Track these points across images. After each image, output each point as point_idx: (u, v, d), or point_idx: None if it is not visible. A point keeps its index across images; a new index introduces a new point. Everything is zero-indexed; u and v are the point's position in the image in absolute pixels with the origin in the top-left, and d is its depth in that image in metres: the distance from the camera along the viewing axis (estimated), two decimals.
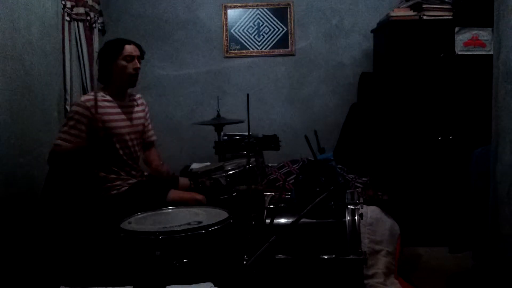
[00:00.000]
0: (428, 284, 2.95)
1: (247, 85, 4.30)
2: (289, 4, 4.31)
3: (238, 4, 4.32)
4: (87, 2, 3.74)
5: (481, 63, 3.43)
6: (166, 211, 2.49)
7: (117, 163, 2.75)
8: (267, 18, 4.32)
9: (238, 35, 4.34)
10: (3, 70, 2.52)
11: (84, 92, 3.74)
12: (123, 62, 2.73)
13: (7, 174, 2.54)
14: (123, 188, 2.73)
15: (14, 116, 2.62)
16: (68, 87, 3.47)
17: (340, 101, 4.34)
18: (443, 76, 3.62)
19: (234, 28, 4.33)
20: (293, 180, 3.40)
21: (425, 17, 3.58)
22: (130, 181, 2.78)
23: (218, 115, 3.49)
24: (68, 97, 3.47)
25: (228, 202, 2.71)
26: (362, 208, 2.36)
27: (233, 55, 4.35)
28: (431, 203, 3.62)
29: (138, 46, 2.82)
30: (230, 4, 4.31)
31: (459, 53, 3.59)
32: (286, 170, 3.64)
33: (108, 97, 2.75)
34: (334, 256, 2.22)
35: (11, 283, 2.44)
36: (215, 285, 1.85)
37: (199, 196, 2.74)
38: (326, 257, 2.23)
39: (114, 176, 2.73)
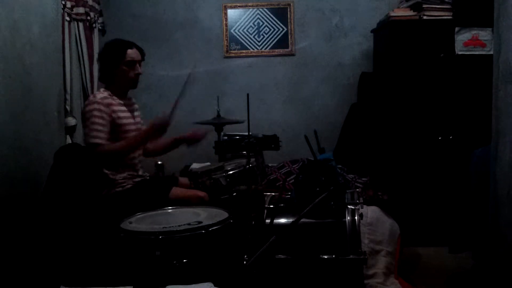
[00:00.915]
0: (428, 284, 2.95)
1: (247, 85, 4.29)
2: (289, 4, 4.32)
3: (238, 4, 4.32)
4: (87, 2, 3.74)
5: (481, 63, 3.43)
6: (166, 211, 2.49)
7: (124, 160, 2.77)
8: (267, 18, 4.33)
9: (238, 35, 4.34)
10: (3, 70, 2.52)
11: (84, 92, 3.74)
12: (125, 68, 2.75)
13: (7, 174, 2.54)
14: (127, 186, 2.74)
15: (14, 116, 2.62)
16: (68, 87, 3.47)
17: (340, 101, 4.34)
18: (443, 76, 3.62)
19: (234, 28, 4.33)
20: (293, 180, 3.40)
21: (425, 17, 3.58)
22: (135, 179, 2.79)
23: (218, 115, 3.49)
24: (68, 97, 3.47)
25: (228, 202, 2.71)
26: (362, 208, 2.35)
27: (233, 55, 4.35)
28: (431, 203, 3.62)
29: (139, 49, 2.83)
30: (230, 4, 4.31)
31: (459, 53, 3.59)
32: (286, 170, 3.64)
33: (114, 96, 2.77)
34: (334, 256, 2.22)
35: (11, 283, 2.44)
36: (215, 285, 1.85)
37: (201, 193, 2.75)
38: (326, 257, 2.23)
39: (119, 174, 2.75)
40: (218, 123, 3.46)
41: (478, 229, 2.85)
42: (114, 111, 2.71)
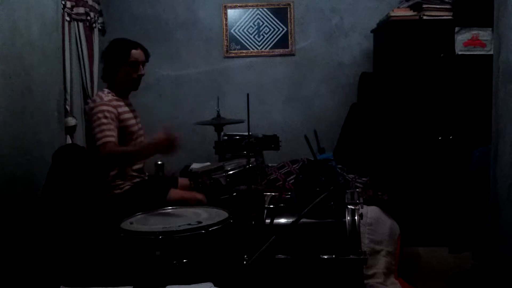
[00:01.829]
0: (428, 284, 2.96)
1: (247, 85, 4.29)
2: (289, 4, 4.32)
3: (238, 4, 4.32)
4: (87, 2, 3.74)
5: (481, 63, 3.43)
6: (166, 211, 2.49)
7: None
8: (267, 18, 4.33)
9: (238, 35, 4.34)
10: (3, 70, 2.52)
11: (84, 92, 3.74)
12: (128, 68, 2.75)
13: (7, 174, 2.54)
14: (126, 187, 2.74)
15: (14, 116, 2.62)
16: (68, 87, 3.47)
17: (340, 101, 4.34)
18: (443, 76, 3.62)
19: (234, 28, 4.33)
20: (293, 180, 3.39)
21: (425, 17, 3.58)
22: (134, 180, 2.79)
23: (218, 115, 3.48)
24: (68, 97, 3.47)
25: (228, 202, 2.71)
26: (362, 208, 2.35)
27: (233, 55, 4.35)
28: (431, 203, 3.62)
29: (144, 50, 2.83)
30: (230, 4, 4.31)
31: (459, 53, 3.58)
32: (286, 170, 3.64)
33: (117, 97, 2.77)
34: (334, 256, 2.22)
35: (11, 283, 2.44)
36: (215, 285, 1.85)
37: (199, 196, 2.75)
38: (326, 257, 2.23)
39: (120, 174, 2.74)
40: (218, 123, 3.46)
41: (478, 229, 2.86)
42: (120, 113, 2.71)
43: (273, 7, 4.33)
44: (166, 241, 2.09)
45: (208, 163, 3.64)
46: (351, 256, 2.22)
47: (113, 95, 2.76)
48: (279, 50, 4.35)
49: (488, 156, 2.50)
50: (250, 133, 2.72)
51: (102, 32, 4.18)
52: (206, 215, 2.33)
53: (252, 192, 2.63)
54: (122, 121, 2.71)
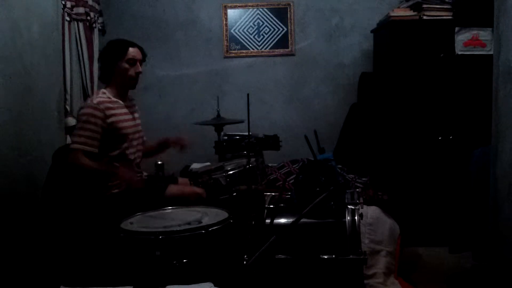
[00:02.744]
0: (428, 284, 2.96)
1: (247, 85, 4.29)
2: (289, 4, 4.32)
3: (238, 4, 4.32)
4: (87, 2, 3.74)
5: (481, 63, 3.43)
6: (166, 211, 2.49)
7: (123, 162, 2.76)
8: (267, 18, 4.33)
9: (238, 35, 4.34)
10: (3, 70, 2.52)
11: (84, 92, 3.74)
12: (126, 65, 2.75)
13: (7, 174, 2.54)
14: (124, 186, 2.73)
15: (14, 116, 2.62)
16: (68, 87, 3.47)
17: (340, 101, 4.34)
18: (443, 76, 3.62)
19: (234, 28, 4.33)
20: (293, 180, 3.39)
21: (425, 17, 3.58)
22: None
23: (218, 115, 3.48)
24: (68, 97, 3.47)
25: (228, 202, 2.71)
26: (362, 208, 2.36)
27: (233, 55, 4.35)
28: (431, 203, 3.62)
29: (141, 49, 2.83)
30: (230, 4, 4.31)
31: (459, 53, 3.58)
32: (286, 170, 3.64)
33: (113, 98, 2.76)
34: (334, 256, 2.22)
35: (11, 283, 2.44)
36: (215, 285, 1.85)
37: (198, 190, 2.74)
38: (326, 257, 2.23)
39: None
40: (218, 123, 3.46)
41: (478, 229, 2.86)
42: (111, 115, 2.68)
43: (273, 7, 4.33)
44: (166, 241, 2.09)
45: (208, 163, 3.64)
46: (351, 256, 2.22)
47: (108, 96, 2.75)
48: (279, 50, 4.35)
49: (488, 156, 2.51)
50: (250, 133, 2.72)
51: (102, 32, 4.18)
52: (206, 215, 2.33)
53: (252, 192, 2.63)
54: (112, 124, 2.68)
